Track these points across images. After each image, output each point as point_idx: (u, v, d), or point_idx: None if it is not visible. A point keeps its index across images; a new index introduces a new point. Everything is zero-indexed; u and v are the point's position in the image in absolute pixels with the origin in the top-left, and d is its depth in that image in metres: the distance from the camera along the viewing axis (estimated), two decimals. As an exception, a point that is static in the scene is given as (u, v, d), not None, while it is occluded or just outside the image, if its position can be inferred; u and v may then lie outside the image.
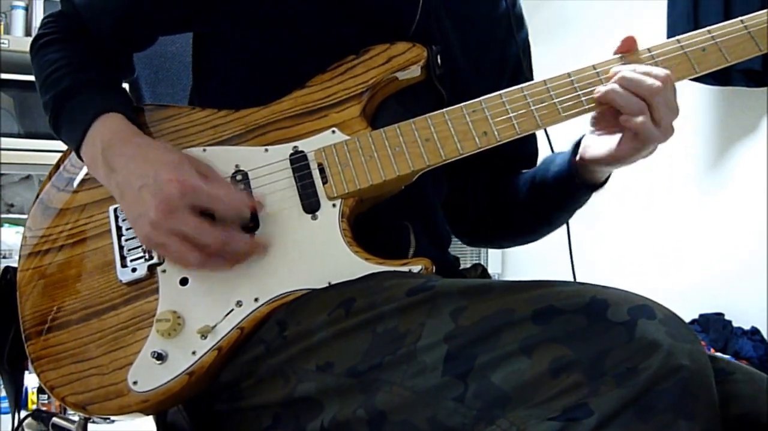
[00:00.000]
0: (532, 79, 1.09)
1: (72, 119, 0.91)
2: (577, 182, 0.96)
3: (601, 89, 0.87)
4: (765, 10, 0.90)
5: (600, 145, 0.92)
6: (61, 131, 0.94)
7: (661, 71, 0.86)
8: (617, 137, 0.89)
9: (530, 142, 1.13)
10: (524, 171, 1.09)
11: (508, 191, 1.08)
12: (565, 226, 1.10)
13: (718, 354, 0.86)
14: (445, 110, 0.89)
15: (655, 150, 0.89)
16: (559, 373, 0.62)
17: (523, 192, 1.04)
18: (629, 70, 0.87)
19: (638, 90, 0.85)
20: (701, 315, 2.80)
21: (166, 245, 0.83)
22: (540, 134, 1.07)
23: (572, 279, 1.06)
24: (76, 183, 0.96)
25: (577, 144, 0.97)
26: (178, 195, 0.81)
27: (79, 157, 0.92)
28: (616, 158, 0.90)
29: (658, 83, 0.85)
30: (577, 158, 0.96)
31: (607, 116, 0.91)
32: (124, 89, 0.99)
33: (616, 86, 0.86)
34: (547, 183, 1.00)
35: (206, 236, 0.82)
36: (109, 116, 0.90)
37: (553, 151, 1.05)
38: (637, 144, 0.88)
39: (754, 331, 2.68)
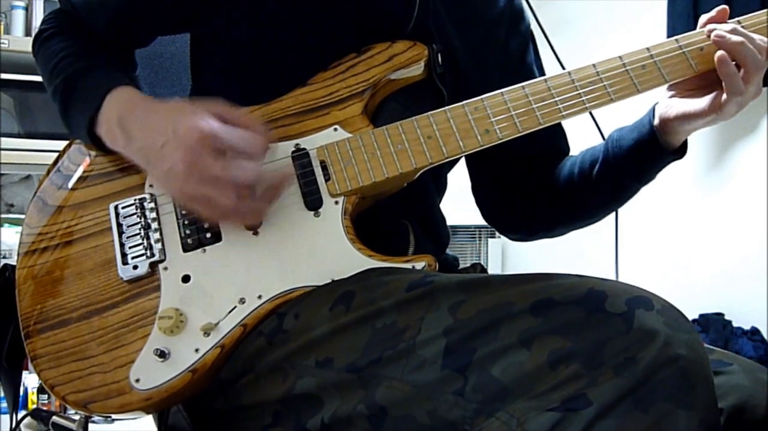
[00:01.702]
0: (541, 68, 1.11)
1: (85, 96, 0.92)
2: (662, 145, 0.95)
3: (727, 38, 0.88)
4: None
5: (686, 103, 0.92)
6: (72, 110, 0.94)
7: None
8: (708, 95, 0.90)
9: (562, 136, 1.14)
10: (572, 156, 1.09)
11: (559, 178, 1.08)
12: (614, 226, 1.13)
13: (717, 348, 0.86)
14: (447, 107, 0.90)
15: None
16: (557, 365, 0.62)
17: (593, 173, 1.03)
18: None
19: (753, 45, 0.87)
20: (701, 315, 2.80)
21: (203, 195, 0.81)
22: (584, 124, 1.06)
23: (614, 277, 1.06)
24: (74, 181, 0.96)
25: (652, 111, 0.96)
26: (198, 142, 0.80)
27: (93, 136, 0.92)
28: (709, 111, 0.89)
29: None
30: (657, 121, 0.95)
31: (689, 79, 0.92)
32: (130, 73, 1.00)
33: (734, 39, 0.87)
34: (624, 156, 0.99)
35: (237, 171, 0.80)
36: (119, 89, 0.90)
37: (603, 137, 1.05)
38: (729, 99, 0.87)
39: (754, 331, 2.68)
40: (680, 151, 0.97)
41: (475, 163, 1.15)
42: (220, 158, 0.80)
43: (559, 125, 1.11)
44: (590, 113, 0.97)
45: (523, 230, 1.16)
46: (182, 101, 0.88)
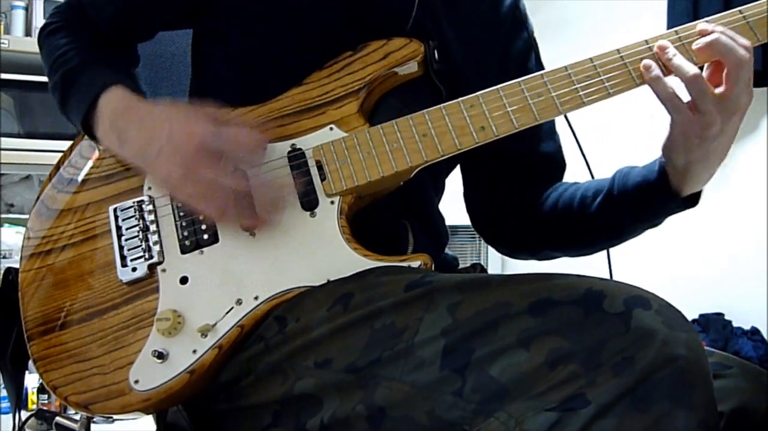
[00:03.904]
0: None
1: (79, 94, 0.93)
2: (672, 188, 0.91)
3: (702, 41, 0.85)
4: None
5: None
6: (69, 108, 0.95)
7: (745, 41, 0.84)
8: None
9: (558, 153, 1.11)
10: (574, 183, 1.06)
11: (553, 201, 1.05)
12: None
13: (717, 350, 0.86)
14: (442, 105, 0.89)
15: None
16: (556, 365, 0.62)
17: (594, 204, 0.99)
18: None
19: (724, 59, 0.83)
20: (701, 315, 2.79)
21: (200, 197, 0.84)
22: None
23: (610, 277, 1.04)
24: (75, 184, 0.96)
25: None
26: (194, 149, 0.82)
27: (91, 135, 0.93)
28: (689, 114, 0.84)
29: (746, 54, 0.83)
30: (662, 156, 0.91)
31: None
32: (131, 70, 1.01)
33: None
34: (628, 192, 0.95)
35: (232, 179, 0.83)
36: (112, 89, 0.91)
37: (591, 170, 1.03)
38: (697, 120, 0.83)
39: (754, 331, 2.68)
40: (691, 200, 0.93)
41: (468, 169, 1.14)
42: (215, 163, 0.82)
43: (558, 141, 1.10)
44: (577, 142, 0.95)
45: (506, 244, 1.14)
46: (176, 104, 0.88)
